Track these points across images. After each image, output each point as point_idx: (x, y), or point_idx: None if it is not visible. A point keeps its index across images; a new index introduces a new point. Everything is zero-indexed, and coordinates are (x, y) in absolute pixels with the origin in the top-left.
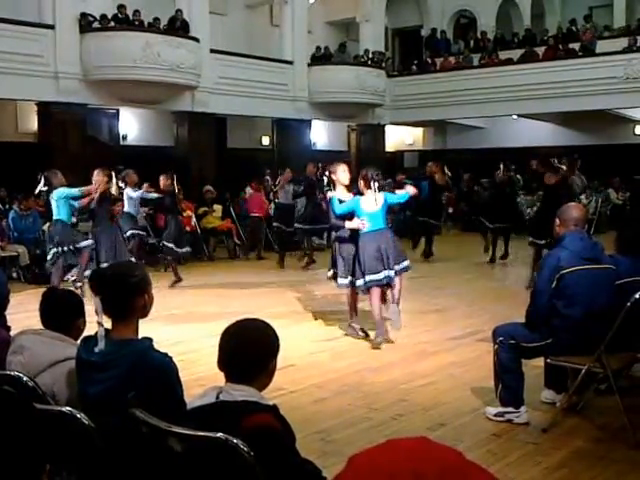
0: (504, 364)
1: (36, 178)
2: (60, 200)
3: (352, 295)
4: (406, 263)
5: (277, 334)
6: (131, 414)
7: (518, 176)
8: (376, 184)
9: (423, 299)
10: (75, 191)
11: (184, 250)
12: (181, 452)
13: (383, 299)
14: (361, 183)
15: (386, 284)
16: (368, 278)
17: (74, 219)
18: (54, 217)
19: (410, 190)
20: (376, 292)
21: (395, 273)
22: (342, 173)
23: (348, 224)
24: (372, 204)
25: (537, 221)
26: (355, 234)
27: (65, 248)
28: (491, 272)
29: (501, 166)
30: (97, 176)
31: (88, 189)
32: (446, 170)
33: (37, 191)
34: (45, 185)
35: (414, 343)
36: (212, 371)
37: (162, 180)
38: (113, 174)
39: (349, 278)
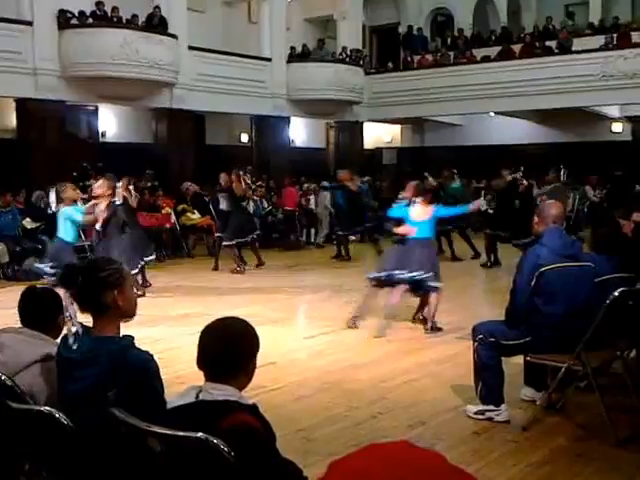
0: (484, 362)
1: (17, 177)
2: (63, 219)
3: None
4: (432, 281)
5: (257, 333)
6: (111, 413)
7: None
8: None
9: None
10: (79, 218)
11: (141, 263)
12: (161, 452)
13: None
14: (412, 193)
15: (412, 286)
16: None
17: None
18: (57, 233)
19: (471, 206)
20: (399, 290)
21: (422, 284)
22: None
23: (397, 229)
24: (421, 214)
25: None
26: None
27: (57, 269)
28: (472, 270)
29: (503, 173)
30: (99, 189)
31: (90, 206)
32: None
33: (52, 210)
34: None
35: (395, 340)
36: (192, 369)
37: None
38: (117, 184)
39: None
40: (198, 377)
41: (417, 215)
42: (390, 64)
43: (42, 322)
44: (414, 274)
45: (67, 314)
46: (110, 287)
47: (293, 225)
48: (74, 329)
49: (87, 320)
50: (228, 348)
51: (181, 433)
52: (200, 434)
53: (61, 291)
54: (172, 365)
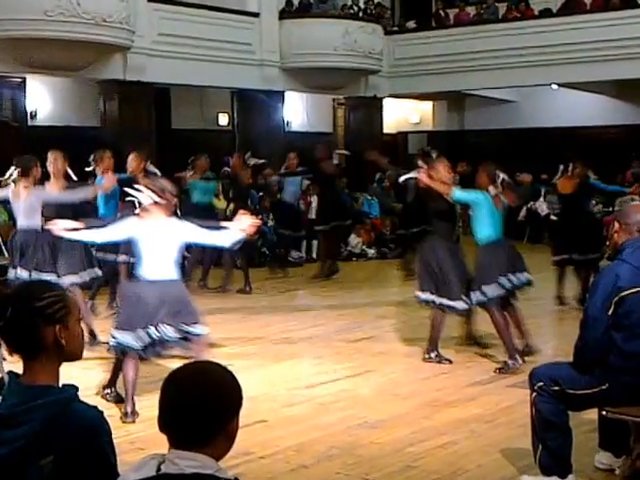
0: (545, 418)
1: None
2: None
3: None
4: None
5: (238, 382)
6: None
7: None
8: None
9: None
10: None
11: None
12: None
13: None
14: (483, 179)
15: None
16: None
17: None
18: None
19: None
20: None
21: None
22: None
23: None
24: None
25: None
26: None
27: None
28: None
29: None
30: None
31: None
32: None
33: None
34: None
35: (424, 390)
36: (152, 430)
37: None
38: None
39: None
40: (160, 442)
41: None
42: (420, 21)
43: None
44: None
45: None
46: (50, 321)
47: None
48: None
49: (16, 364)
50: (200, 404)
51: None
52: None
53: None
54: (125, 425)
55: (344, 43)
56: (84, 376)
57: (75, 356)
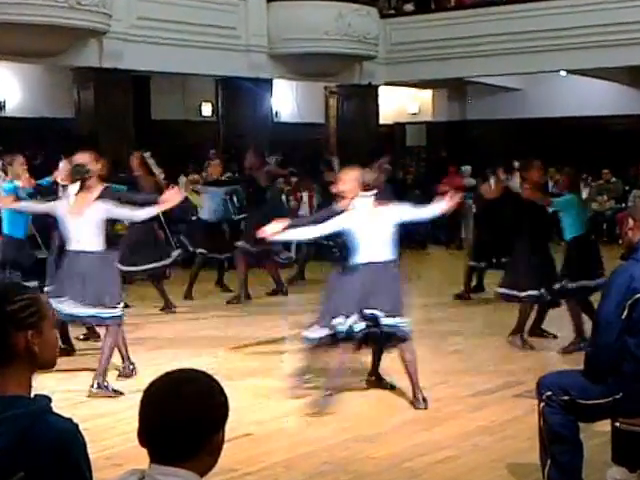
0: (554, 430)
1: None
2: None
3: None
4: None
5: (224, 392)
6: None
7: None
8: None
9: (434, 335)
10: None
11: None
12: None
13: None
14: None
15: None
16: None
17: None
18: None
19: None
20: None
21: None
22: None
23: None
24: None
25: None
26: None
27: None
28: None
29: None
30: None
31: None
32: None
33: None
34: None
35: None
36: (130, 444)
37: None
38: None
39: None
40: (139, 457)
41: None
42: (415, 4)
43: None
44: None
45: None
46: (22, 326)
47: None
48: None
49: None
50: (182, 416)
51: None
52: None
53: None
54: (101, 439)
55: (337, 27)
56: (59, 386)
57: (49, 364)
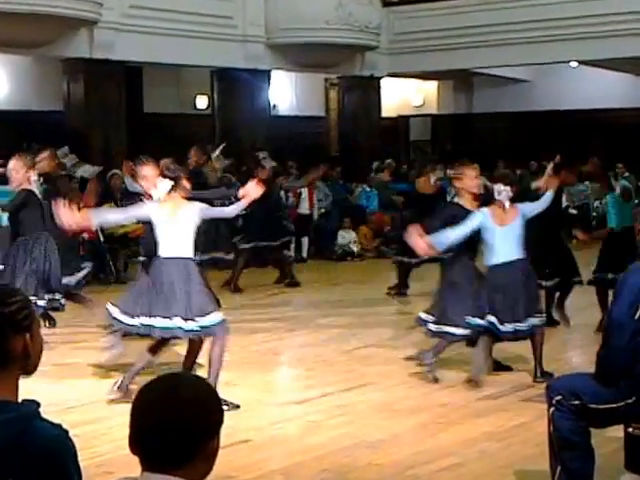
0: (564, 435)
1: None
2: None
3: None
4: None
5: (219, 397)
6: None
7: None
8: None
9: None
10: None
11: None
12: None
13: None
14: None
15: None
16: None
17: None
18: None
19: None
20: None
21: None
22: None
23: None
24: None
25: None
26: None
27: None
28: None
29: None
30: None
31: None
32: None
33: None
34: None
35: (428, 405)
36: (122, 451)
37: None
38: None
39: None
40: (131, 464)
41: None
42: None
43: None
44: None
45: None
46: (19, 330)
47: None
48: None
49: None
50: (175, 422)
51: None
52: None
53: None
54: (92, 446)
55: (337, 16)
56: (47, 390)
57: (35, 368)
